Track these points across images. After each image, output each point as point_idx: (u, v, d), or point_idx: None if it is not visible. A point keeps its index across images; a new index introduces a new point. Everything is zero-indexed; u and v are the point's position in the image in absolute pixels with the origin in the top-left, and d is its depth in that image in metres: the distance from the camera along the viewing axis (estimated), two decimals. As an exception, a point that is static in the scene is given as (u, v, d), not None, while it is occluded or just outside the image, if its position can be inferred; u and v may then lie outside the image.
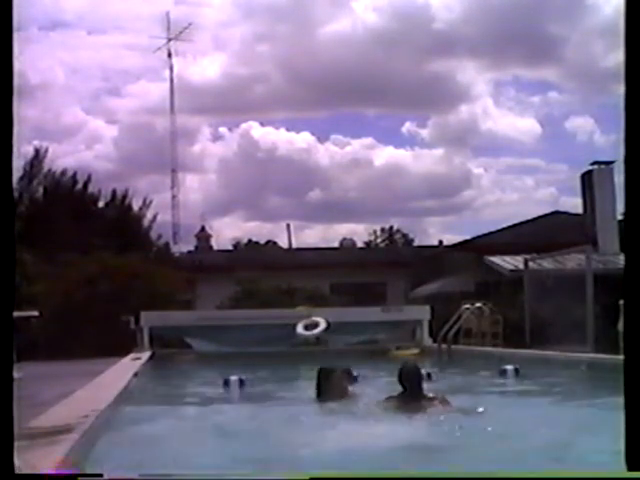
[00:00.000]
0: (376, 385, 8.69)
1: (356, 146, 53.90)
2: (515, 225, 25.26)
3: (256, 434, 5.96)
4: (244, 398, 8.64)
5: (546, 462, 4.63)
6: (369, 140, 57.08)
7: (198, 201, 46.47)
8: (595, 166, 21.68)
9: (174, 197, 34.62)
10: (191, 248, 35.47)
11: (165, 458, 4.84)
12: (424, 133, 63.87)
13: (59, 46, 49.10)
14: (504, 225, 25.93)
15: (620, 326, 11.22)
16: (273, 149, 49.88)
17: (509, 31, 41.00)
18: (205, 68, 49.09)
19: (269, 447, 5.36)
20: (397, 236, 49.95)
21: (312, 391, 7.18)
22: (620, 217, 20.04)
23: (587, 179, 21.86)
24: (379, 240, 49.50)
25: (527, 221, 25.38)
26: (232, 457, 4.99)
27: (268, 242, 43.59)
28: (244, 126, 51.37)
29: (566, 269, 16.79)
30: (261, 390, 9.45)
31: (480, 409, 6.61)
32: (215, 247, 36.67)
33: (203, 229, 36.73)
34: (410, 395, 6.54)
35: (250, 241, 45.77)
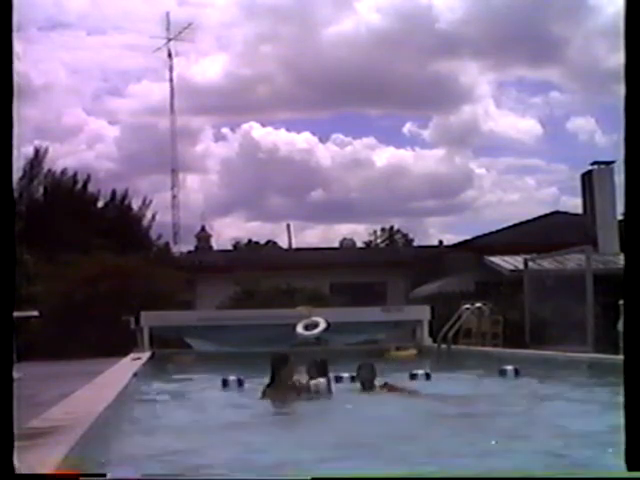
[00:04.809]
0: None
1: (357, 146, 53.84)
2: (515, 225, 25.23)
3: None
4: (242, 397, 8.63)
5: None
6: (370, 140, 56.97)
7: (199, 201, 46.56)
8: (595, 166, 21.68)
9: (174, 197, 34.72)
10: (191, 248, 35.46)
11: (166, 459, 4.85)
12: (425, 133, 63.92)
13: (59, 47, 49.23)
14: (504, 225, 25.93)
15: (620, 326, 11.22)
16: (274, 149, 49.91)
17: (511, 32, 41.00)
18: (208, 68, 49.09)
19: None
20: (397, 236, 49.91)
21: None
22: (620, 217, 20.03)
23: (587, 179, 21.85)
24: (379, 240, 49.48)
25: (527, 221, 25.35)
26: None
27: (268, 242, 43.58)
28: (245, 127, 51.36)
29: (566, 269, 16.77)
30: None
31: None
32: (215, 247, 36.67)
33: (203, 229, 36.71)
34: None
35: (250, 241, 45.73)
